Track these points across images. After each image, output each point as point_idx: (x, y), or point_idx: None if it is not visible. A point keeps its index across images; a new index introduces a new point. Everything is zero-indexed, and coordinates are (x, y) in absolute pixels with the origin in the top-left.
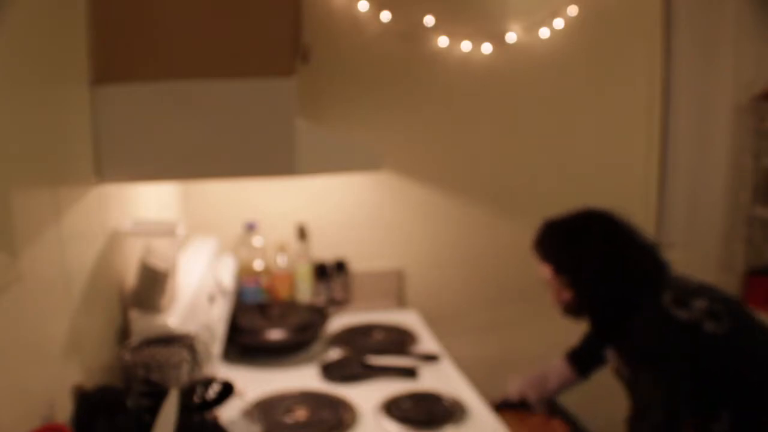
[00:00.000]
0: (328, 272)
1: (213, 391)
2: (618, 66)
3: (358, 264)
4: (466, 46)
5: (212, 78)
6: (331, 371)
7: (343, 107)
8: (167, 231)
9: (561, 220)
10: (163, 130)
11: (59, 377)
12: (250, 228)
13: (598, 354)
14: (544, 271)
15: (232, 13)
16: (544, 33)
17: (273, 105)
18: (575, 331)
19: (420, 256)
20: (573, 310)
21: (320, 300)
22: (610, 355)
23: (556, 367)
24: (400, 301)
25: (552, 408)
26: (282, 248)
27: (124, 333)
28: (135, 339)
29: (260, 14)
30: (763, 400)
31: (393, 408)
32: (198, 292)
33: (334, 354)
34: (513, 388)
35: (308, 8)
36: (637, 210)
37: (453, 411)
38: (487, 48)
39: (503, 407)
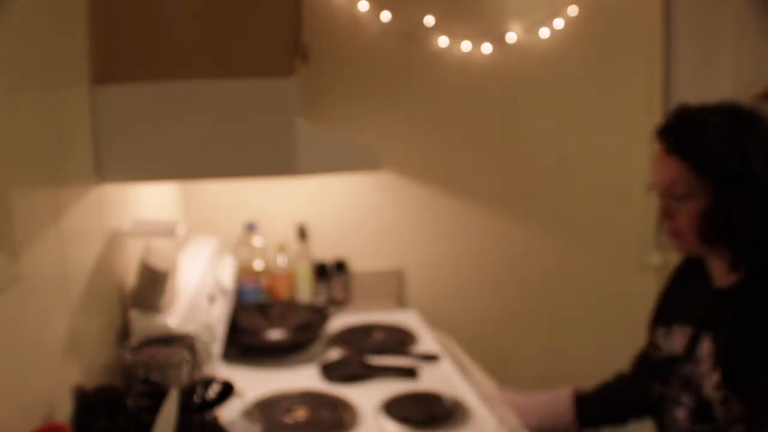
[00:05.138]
0: (328, 272)
1: (213, 391)
2: (618, 66)
3: (358, 264)
4: (466, 46)
5: (212, 78)
6: (331, 371)
7: (343, 107)
8: (167, 231)
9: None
10: (163, 130)
11: (59, 377)
12: (250, 228)
13: (616, 410)
14: (666, 175)
15: (232, 13)
16: (544, 33)
17: (273, 105)
18: (576, 331)
19: (420, 256)
20: (712, 226)
21: (320, 300)
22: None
23: (558, 399)
24: (400, 301)
25: None
26: (282, 248)
27: (124, 333)
28: (135, 339)
29: (260, 14)
30: None
31: (393, 408)
32: (198, 292)
33: (334, 354)
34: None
35: (308, 8)
36: (638, 210)
37: (453, 411)
38: (487, 48)
39: None
